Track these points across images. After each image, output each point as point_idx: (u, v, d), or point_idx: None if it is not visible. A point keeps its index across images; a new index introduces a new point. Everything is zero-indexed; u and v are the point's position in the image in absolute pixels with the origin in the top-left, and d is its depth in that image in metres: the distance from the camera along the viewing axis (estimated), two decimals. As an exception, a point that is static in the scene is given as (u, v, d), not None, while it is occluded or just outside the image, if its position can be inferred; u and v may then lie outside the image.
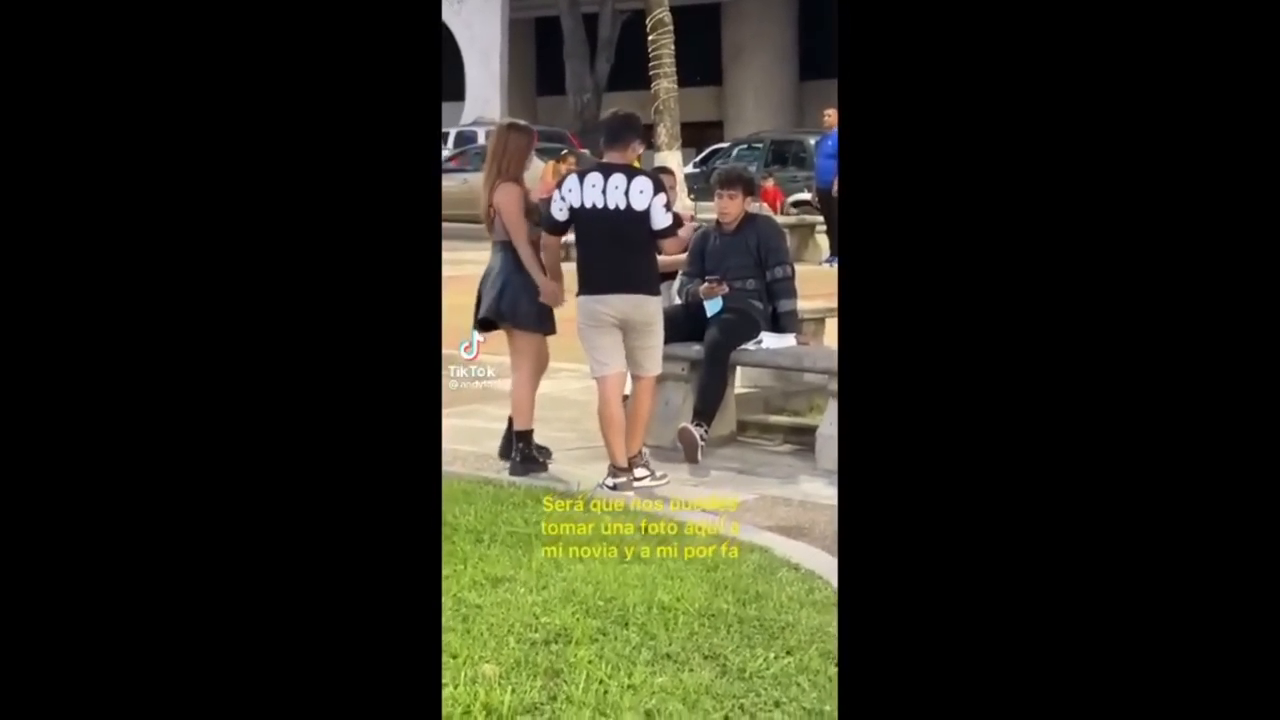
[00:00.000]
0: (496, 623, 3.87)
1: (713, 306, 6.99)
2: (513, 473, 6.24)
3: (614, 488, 6.00)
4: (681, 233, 6.42)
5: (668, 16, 13.27)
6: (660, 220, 6.01)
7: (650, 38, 13.13)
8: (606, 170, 6.07)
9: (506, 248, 6.30)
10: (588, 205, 6.02)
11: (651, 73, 13.07)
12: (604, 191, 5.99)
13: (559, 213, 6.10)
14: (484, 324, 6.42)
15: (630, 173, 6.06)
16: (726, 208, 7.06)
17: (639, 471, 6.13)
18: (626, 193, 5.98)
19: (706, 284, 6.98)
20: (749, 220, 7.14)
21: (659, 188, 6.08)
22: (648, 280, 6.14)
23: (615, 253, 6.03)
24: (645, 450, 6.30)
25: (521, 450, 6.36)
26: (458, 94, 33.59)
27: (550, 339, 6.47)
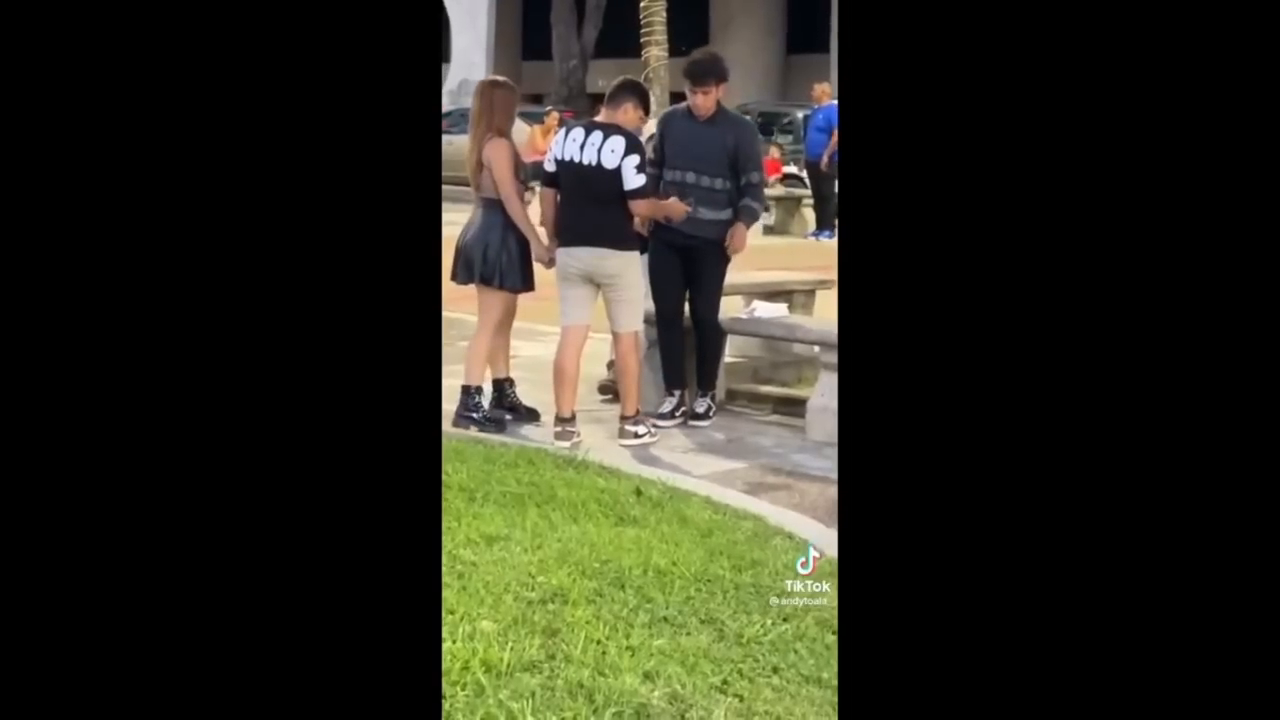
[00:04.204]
0: (493, 580, 3.84)
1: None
2: (454, 424, 6.16)
3: (557, 437, 6.08)
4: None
5: (660, -16, 13.22)
6: (630, 180, 6.08)
7: (642, 4, 13.05)
8: (590, 127, 6.24)
9: (493, 205, 6.28)
10: (566, 159, 6.18)
11: (643, 40, 13.01)
12: (582, 146, 6.14)
13: (548, 164, 6.29)
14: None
15: (609, 131, 6.13)
16: (702, 104, 6.58)
17: (640, 429, 6.28)
18: (600, 149, 6.09)
19: (674, 200, 6.45)
20: (722, 113, 6.73)
21: (632, 148, 6.09)
22: (616, 236, 6.18)
23: (585, 207, 6.17)
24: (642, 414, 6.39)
25: (465, 402, 6.31)
26: (443, 56, 33.41)
27: (540, 303, 6.47)
